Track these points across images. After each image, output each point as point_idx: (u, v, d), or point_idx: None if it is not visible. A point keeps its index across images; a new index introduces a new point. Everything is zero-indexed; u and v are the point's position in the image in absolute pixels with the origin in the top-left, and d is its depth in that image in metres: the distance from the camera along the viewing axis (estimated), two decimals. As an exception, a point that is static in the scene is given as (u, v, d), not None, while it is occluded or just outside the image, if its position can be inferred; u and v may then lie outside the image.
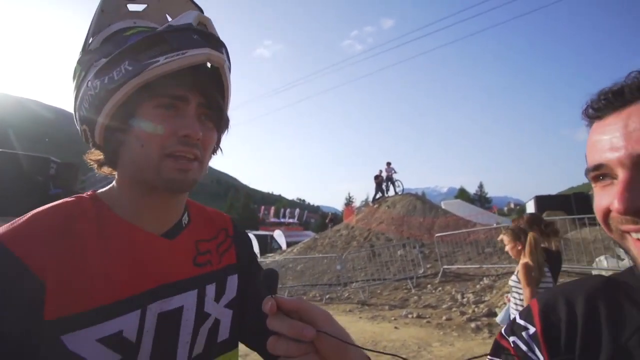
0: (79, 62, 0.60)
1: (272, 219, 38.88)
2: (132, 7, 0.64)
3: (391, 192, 15.54)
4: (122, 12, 0.63)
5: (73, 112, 0.61)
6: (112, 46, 0.57)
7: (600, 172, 0.44)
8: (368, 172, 16.95)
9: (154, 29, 0.58)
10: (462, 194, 64.51)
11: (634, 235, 0.42)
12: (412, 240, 9.94)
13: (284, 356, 0.42)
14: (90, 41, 0.61)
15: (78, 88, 0.59)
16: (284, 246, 20.97)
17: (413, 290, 7.65)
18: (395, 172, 15.63)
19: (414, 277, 8.20)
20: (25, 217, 0.51)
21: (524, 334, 0.53)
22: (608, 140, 0.43)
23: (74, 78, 0.61)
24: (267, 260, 12.65)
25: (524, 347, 0.52)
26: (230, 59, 0.64)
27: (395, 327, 5.58)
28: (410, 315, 6.15)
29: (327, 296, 8.50)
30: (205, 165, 0.62)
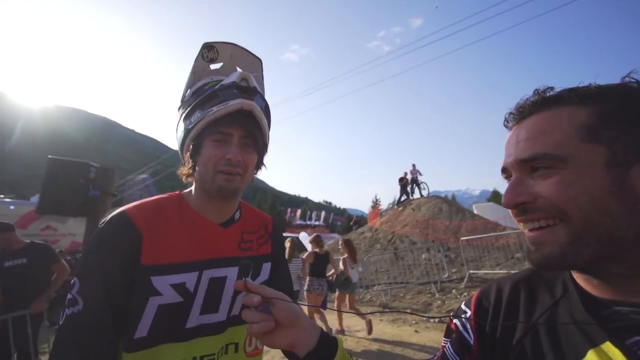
0: (178, 109, 0.87)
1: (299, 222, 39.20)
2: (213, 66, 0.91)
3: (416, 195, 15.26)
4: (206, 70, 0.90)
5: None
6: (194, 98, 0.83)
7: (506, 175, 0.52)
8: (396, 175, 16.69)
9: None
10: (495, 197, 61.59)
11: (523, 225, 0.48)
12: (437, 244, 9.72)
13: (250, 321, 0.57)
14: (185, 94, 0.87)
15: (177, 128, 0.87)
16: (309, 248, 21.12)
17: (437, 295, 7.48)
18: (420, 174, 15.31)
19: (438, 282, 8.02)
20: (142, 201, 0.82)
21: (463, 316, 0.61)
22: (508, 147, 0.50)
23: (177, 121, 0.88)
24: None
25: (461, 328, 0.60)
26: (266, 101, 0.88)
27: (416, 331, 5.51)
28: (431, 320, 6.04)
29: (349, 298, 8.51)
30: (248, 178, 0.85)
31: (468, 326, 0.59)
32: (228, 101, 0.78)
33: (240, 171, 0.81)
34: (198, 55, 0.88)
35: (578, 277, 0.50)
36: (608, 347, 0.41)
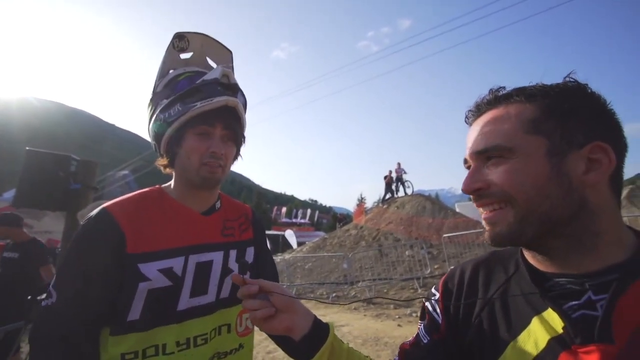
0: (150, 100, 0.89)
1: (284, 219, 39.11)
2: (183, 55, 0.91)
3: (401, 193, 15.51)
4: (176, 60, 0.90)
5: (148, 133, 0.92)
6: (169, 90, 0.86)
7: (467, 165, 0.58)
8: (381, 174, 16.67)
9: (197, 72, 0.87)
10: (477, 196, 62.74)
11: (481, 209, 0.55)
12: (420, 241, 9.93)
13: (250, 309, 0.61)
14: (157, 85, 0.89)
15: (150, 118, 0.88)
16: (294, 246, 21.17)
17: (419, 291, 7.66)
18: (405, 172, 15.56)
19: (420, 278, 8.21)
20: (123, 196, 0.85)
21: (432, 299, 0.67)
22: (468, 141, 0.57)
23: (147, 111, 0.90)
24: (277, 259, 12.84)
25: (431, 309, 0.66)
26: (245, 96, 0.92)
27: (399, 325, 5.64)
28: (414, 314, 6.19)
29: (334, 294, 8.61)
30: (228, 169, 0.90)
31: (437, 307, 0.65)
32: (212, 97, 0.81)
33: (222, 163, 0.86)
34: (169, 45, 0.89)
35: (527, 255, 0.57)
36: (549, 313, 0.48)
